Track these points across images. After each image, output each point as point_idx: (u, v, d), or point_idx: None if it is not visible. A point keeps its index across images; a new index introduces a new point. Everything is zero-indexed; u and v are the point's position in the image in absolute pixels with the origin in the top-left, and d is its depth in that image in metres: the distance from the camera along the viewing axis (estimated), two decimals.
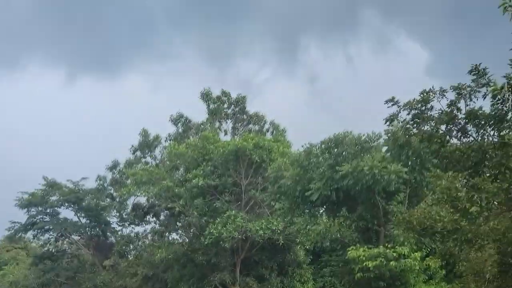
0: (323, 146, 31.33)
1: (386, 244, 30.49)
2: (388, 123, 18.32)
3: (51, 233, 64.58)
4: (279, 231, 36.33)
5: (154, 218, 55.07)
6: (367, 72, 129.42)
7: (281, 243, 38.73)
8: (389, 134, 28.17)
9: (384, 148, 31.89)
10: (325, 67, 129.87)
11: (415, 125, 17.44)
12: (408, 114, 17.28)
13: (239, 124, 51.19)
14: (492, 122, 15.93)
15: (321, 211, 34.02)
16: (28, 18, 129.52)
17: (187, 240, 49.03)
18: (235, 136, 49.57)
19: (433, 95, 16.85)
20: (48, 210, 63.31)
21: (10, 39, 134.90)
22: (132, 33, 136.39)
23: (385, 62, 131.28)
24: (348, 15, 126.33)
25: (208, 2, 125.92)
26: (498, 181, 16.78)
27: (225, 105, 51.17)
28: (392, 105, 17.67)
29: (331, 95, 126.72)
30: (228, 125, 51.47)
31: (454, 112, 16.41)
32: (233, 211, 37.84)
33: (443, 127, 16.94)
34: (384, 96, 17.71)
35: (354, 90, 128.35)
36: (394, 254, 29.91)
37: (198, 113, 53.32)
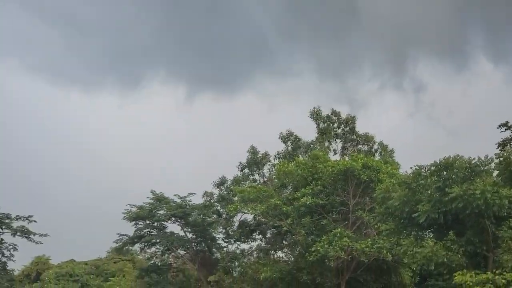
0: (432, 168, 32.23)
1: (495, 270, 30.88)
2: (500, 148, 18.99)
3: (157, 246, 67.24)
4: (385, 251, 37.10)
5: (260, 236, 56.93)
6: (480, 88, 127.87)
7: (387, 264, 39.69)
8: (500, 158, 29.00)
9: (495, 173, 32.51)
10: (434, 80, 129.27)
11: None
12: None
13: (349, 144, 52.85)
14: None
15: (428, 233, 34.74)
16: (150, 39, 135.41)
17: (292, 258, 50.59)
18: (344, 156, 51.20)
19: None
20: (155, 224, 66.15)
21: (133, 60, 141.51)
22: (245, 51, 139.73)
23: (501, 77, 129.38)
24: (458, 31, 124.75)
25: (314, 13, 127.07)
26: None
27: (335, 125, 52.98)
28: (505, 129, 18.35)
29: (439, 108, 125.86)
30: (337, 144, 53.29)
31: None
32: (339, 229, 38.97)
33: None
34: (496, 114, 18.54)
35: (464, 105, 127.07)
36: (504, 281, 30.26)
37: (308, 131, 55.32)
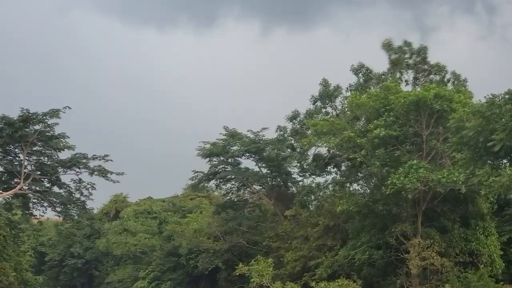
0: (506, 96, 32.25)
1: None
2: None
3: (232, 182, 68.89)
4: (461, 182, 37.35)
5: (335, 169, 57.64)
6: None
7: (463, 194, 39.97)
8: None
9: None
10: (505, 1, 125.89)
11: None
12: None
13: (420, 75, 52.73)
14: None
15: (505, 162, 34.91)
16: None
17: (368, 190, 51.30)
18: (416, 86, 51.20)
19: None
20: (229, 160, 67.56)
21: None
22: None
23: None
24: None
25: None
26: None
27: (407, 55, 52.85)
28: None
29: None
30: (409, 75, 53.22)
31: None
32: (415, 161, 39.33)
33: None
34: None
35: None
36: None
37: (380, 63, 55.37)
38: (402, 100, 41.22)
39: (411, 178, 37.96)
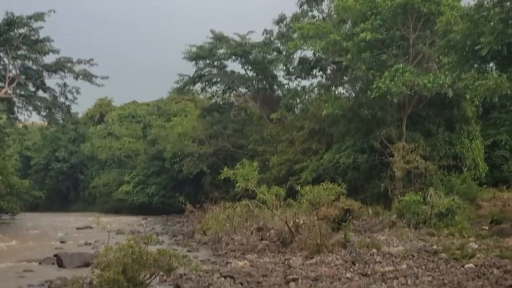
0: None
1: None
2: None
3: (218, 85, 69.19)
4: (447, 85, 37.36)
5: (321, 72, 57.69)
6: None
7: (448, 98, 40.12)
8: None
9: None
10: None
11: None
12: None
13: None
14: None
15: (491, 66, 34.91)
16: None
17: (353, 94, 51.47)
18: None
19: None
20: (215, 63, 67.48)
21: None
22: None
23: None
24: None
25: None
26: None
27: None
28: None
29: None
30: None
31: None
32: (401, 65, 39.20)
33: None
34: None
35: None
36: None
37: None
38: (389, 3, 40.75)
39: (397, 82, 37.86)
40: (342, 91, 54.20)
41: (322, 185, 31.06)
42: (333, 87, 54.32)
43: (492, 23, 31.31)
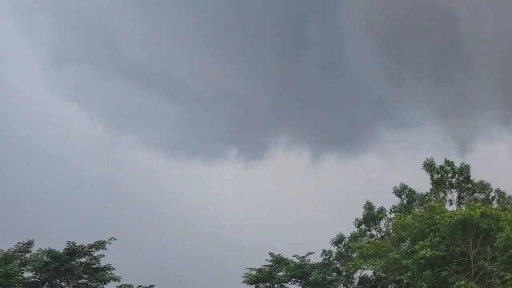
0: None
1: None
2: None
3: None
4: None
5: None
6: None
7: None
8: None
9: None
10: None
11: None
12: None
13: (464, 193, 52.72)
14: None
15: None
16: (273, 106, 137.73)
17: None
18: (461, 206, 51.04)
19: None
20: (275, 286, 66.81)
21: (258, 130, 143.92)
22: (364, 106, 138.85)
23: None
24: None
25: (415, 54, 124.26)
26: None
27: (449, 175, 53.07)
28: None
29: None
30: (453, 194, 53.23)
31: None
32: (463, 282, 38.67)
33: None
34: None
35: None
36: None
37: (422, 183, 55.53)
38: (448, 220, 41.06)
39: None
40: None
41: None
42: None
43: None
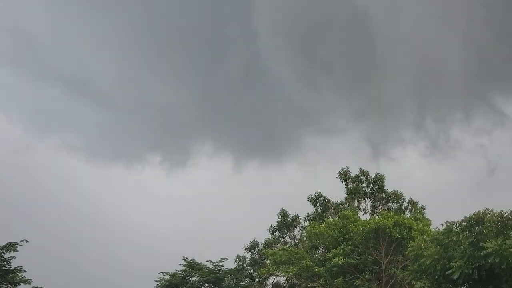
0: (463, 224, 32.32)
1: None
2: None
3: None
4: None
5: None
6: None
7: None
8: None
9: None
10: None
11: None
12: None
13: (378, 203, 53.31)
14: None
15: None
16: (197, 113, 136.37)
17: None
18: (374, 215, 51.52)
19: None
20: None
21: (182, 138, 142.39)
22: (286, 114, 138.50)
23: None
24: None
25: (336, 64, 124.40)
26: None
27: (364, 184, 53.57)
28: None
29: None
30: (367, 204, 53.76)
31: None
32: None
33: None
34: None
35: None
36: None
37: (339, 192, 55.87)
38: (361, 229, 41.28)
39: None
40: None
41: None
42: None
43: (462, 247, 31.43)
